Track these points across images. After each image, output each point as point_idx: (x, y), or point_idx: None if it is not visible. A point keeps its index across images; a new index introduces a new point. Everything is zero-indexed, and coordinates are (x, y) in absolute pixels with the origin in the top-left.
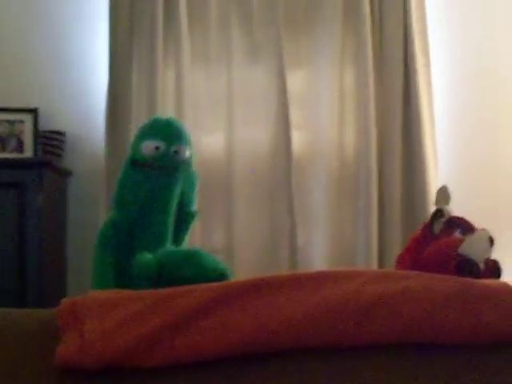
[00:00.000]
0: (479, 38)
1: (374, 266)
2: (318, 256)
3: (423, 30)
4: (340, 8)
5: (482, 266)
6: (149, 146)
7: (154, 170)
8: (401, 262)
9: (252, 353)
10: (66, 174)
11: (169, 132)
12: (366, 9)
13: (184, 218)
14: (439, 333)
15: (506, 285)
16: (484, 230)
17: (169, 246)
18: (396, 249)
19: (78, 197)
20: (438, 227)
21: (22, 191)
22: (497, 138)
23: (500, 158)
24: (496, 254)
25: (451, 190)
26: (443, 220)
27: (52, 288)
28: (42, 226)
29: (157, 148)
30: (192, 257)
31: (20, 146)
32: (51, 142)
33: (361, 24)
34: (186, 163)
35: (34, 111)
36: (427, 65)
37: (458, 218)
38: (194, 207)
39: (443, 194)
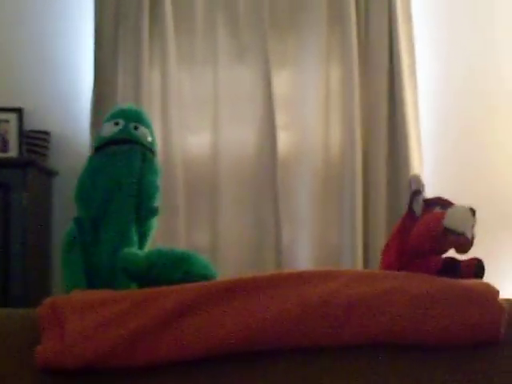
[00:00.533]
0: (465, 38)
1: (359, 265)
2: (303, 255)
3: (409, 30)
4: (325, 9)
5: (469, 235)
6: (107, 126)
7: (113, 148)
8: (386, 254)
9: (232, 353)
10: (50, 173)
11: (127, 112)
12: (352, 9)
13: (144, 215)
14: (420, 334)
15: (487, 285)
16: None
17: (162, 247)
18: (381, 248)
19: (62, 196)
20: (418, 208)
21: (6, 191)
22: (482, 138)
23: (485, 158)
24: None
25: (437, 190)
26: (422, 199)
27: (36, 287)
28: (26, 226)
29: (116, 124)
30: (183, 260)
31: (5, 146)
32: (36, 142)
33: (346, 25)
34: (148, 145)
35: (19, 111)
36: (412, 65)
37: (435, 197)
38: (156, 203)
39: (417, 181)
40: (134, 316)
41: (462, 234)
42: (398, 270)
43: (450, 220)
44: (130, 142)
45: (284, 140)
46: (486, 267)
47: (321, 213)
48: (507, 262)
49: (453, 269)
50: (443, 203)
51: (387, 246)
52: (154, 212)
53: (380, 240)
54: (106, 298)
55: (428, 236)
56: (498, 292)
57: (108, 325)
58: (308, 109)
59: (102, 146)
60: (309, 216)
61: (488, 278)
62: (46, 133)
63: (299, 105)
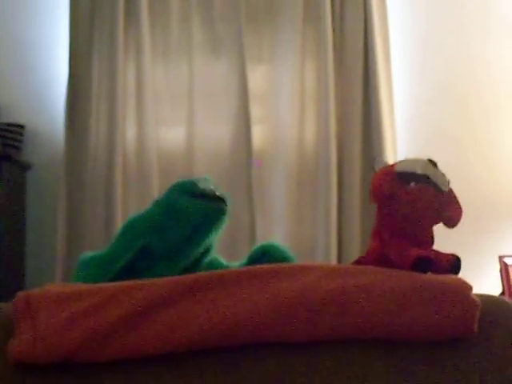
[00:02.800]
0: (441, 32)
1: (333, 260)
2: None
3: (384, 26)
4: (301, 4)
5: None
6: (208, 184)
7: (211, 201)
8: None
9: (206, 347)
10: (25, 167)
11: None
12: (327, 6)
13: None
14: (395, 329)
15: (460, 281)
16: None
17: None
18: (355, 243)
19: (37, 190)
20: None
21: None
22: (456, 134)
23: (459, 155)
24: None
25: None
26: (383, 161)
27: (10, 283)
28: (0, 219)
29: (216, 188)
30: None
31: None
32: (10, 135)
33: (321, 19)
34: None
35: None
36: (387, 60)
37: (411, 172)
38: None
39: (380, 161)
40: (107, 309)
41: (414, 173)
42: (381, 251)
43: (402, 165)
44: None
45: (259, 135)
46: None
47: (295, 207)
48: (477, 256)
49: (425, 264)
50: (418, 178)
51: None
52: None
53: (354, 235)
54: (79, 291)
55: (384, 182)
56: (471, 287)
57: (81, 318)
58: (283, 104)
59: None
60: (283, 210)
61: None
62: (21, 126)
63: (274, 100)
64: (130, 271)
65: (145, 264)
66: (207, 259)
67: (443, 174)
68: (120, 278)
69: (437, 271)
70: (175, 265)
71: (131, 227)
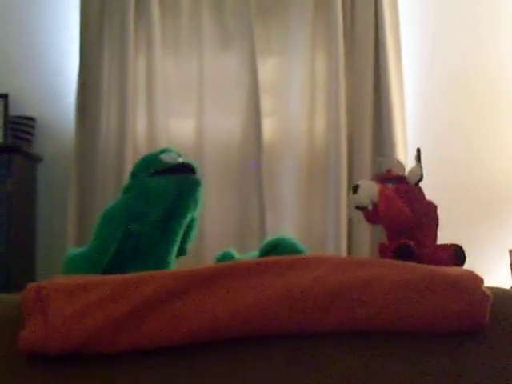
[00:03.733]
0: (452, 26)
1: (343, 252)
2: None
3: (395, 18)
4: None
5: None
6: (170, 155)
7: (178, 174)
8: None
9: (218, 338)
10: (35, 159)
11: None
12: None
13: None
14: (405, 321)
15: (472, 273)
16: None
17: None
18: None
19: (47, 182)
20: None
21: None
22: (467, 127)
23: (469, 147)
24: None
25: (421, 183)
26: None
27: (21, 273)
28: (11, 212)
29: (179, 156)
30: None
31: None
32: (21, 128)
33: (332, 12)
34: (201, 187)
35: (4, 97)
36: (398, 53)
37: (388, 173)
38: (189, 246)
39: (387, 162)
40: (117, 301)
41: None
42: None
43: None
44: (194, 171)
45: (269, 127)
46: (467, 258)
47: (305, 200)
48: (488, 250)
49: (406, 253)
50: (395, 178)
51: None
52: (184, 252)
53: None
54: (89, 283)
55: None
56: (482, 280)
57: (91, 310)
58: (293, 96)
59: (166, 171)
60: (293, 203)
61: (469, 266)
62: (32, 119)
63: (284, 92)
64: (119, 259)
65: (132, 250)
66: (192, 234)
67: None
68: (112, 268)
69: (435, 263)
70: (163, 243)
71: (109, 218)
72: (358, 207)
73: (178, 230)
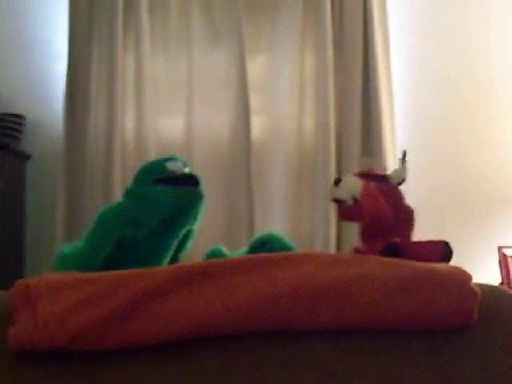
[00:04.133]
0: (440, 24)
1: (332, 250)
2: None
3: (383, 16)
4: None
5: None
6: (176, 164)
7: (181, 185)
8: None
9: (207, 335)
10: (24, 157)
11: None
12: None
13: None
14: (395, 317)
15: (460, 270)
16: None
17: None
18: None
19: (36, 180)
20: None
21: None
22: (455, 127)
23: (460, 149)
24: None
25: (410, 177)
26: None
27: (10, 272)
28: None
29: (185, 165)
30: None
31: None
32: (10, 126)
33: (321, 10)
34: (203, 200)
35: None
36: (387, 51)
37: (370, 172)
38: (182, 255)
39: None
40: (107, 298)
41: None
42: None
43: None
44: (198, 184)
45: (258, 125)
46: (456, 255)
47: (294, 198)
48: (477, 247)
49: (395, 252)
50: (378, 177)
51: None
52: (176, 260)
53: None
54: (79, 279)
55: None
56: (470, 277)
57: (81, 306)
58: (282, 94)
59: (170, 180)
60: (282, 201)
61: (457, 263)
62: (20, 116)
63: (273, 90)
64: (112, 263)
65: (125, 255)
66: (188, 244)
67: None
68: (104, 271)
69: (417, 259)
70: (157, 251)
71: (106, 220)
72: (336, 200)
73: (173, 240)
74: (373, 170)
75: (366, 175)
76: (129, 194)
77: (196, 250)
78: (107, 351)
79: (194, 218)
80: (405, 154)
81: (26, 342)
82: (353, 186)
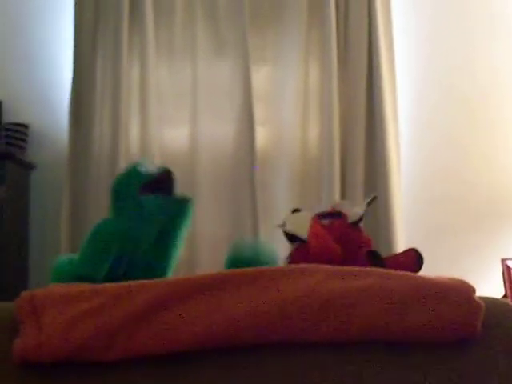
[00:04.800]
0: (445, 34)
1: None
2: (280, 253)
3: (388, 27)
4: (305, 5)
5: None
6: (147, 166)
7: (165, 190)
8: None
9: (211, 347)
10: (29, 166)
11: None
12: (332, 5)
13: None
14: (398, 330)
15: (464, 283)
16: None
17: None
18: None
19: (40, 189)
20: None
21: None
22: (460, 140)
23: (464, 160)
24: (447, 255)
25: (413, 188)
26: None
27: (14, 281)
28: (3, 218)
29: (152, 165)
30: None
31: None
32: (15, 135)
33: (326, 21)
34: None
35: None
36: (392, 62)
37: (328, 211)
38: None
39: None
40: (111, 310)
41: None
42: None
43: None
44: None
45: (262, 135)
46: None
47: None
48: (480, 259)
49: (376, 255)
50: (332, 215)
51: None
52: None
53: None
54: (83, 291)
55: None
56: (474, 289)
57: (86, 318)
58: (286, 104)
59: (154, 187)
60: (286, 211)
61: (461, 275)
62: (25, 126)
63: (278, 100)
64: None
65: (126, 274)
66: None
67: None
68: None
69: (397, 267)
70: (160, 263)
71: (101, 236)
72: (286, 233)
73: (173, 249)
74: (333, 207)
75: (322, 214)
76: (118, 211)
77: (200, 261)
78: (111, 362)
79: (186, 225)
80: (374, 198)
81: (31, 354)
82: (301, 225)
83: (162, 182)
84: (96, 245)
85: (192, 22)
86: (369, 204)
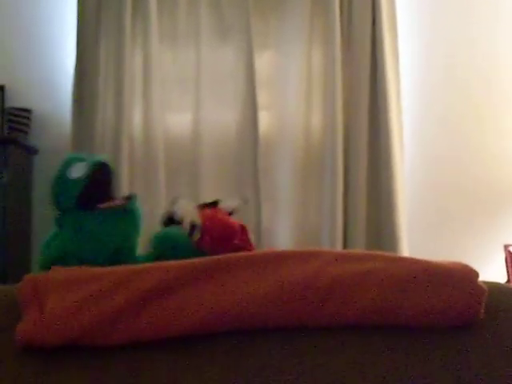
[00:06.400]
0: (448, 23)
1: (339, 247)
2: (282, 237)
3: (391, 13)
4: None
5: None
6: (77, 168)
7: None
8: None
9: (214, 331)
10: (32, 151)
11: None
12: None
13: None
14: (401, 314)
15: (467, 267)
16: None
17: None
18: (360, 230)
19: (43, 174)
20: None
21: None
22: (463, 127)
23: (466, 146)
24: (450, 240)
25: (417, 176)
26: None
27: (17, 264)
28: (7, 203)
29: (82, 159)
30: None
31: None
32: (18, 119)
33: (329, 6)
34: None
35: (0, 88)
36: (395, 47)
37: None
38: None
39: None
40: (115, 293)
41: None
42: None
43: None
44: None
45: (265, 120)
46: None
47: (301, 194)
48: (483, 245)
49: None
50: (208, 206)
51: None
52: None
53: (360, 222)
54: (86, 275)
55: None
56: (477, 274)
57: (89, 302)
58: (290, 90)
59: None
60: (289, 196)
61: (464, 260)
62: (28, 110)
63: (281, 86)
64: None
65: None
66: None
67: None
68: None
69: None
70: None
71: (47, 254)
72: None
73: (134, 258)
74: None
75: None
76: (60, 225)
77: None
78: (115, 346)
79: (138, 233)
80: (246, 201)
81: (34, 337)
82: (190, 215)
83: (99, 178)
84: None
85: (195, 8)
86: (244, 203)
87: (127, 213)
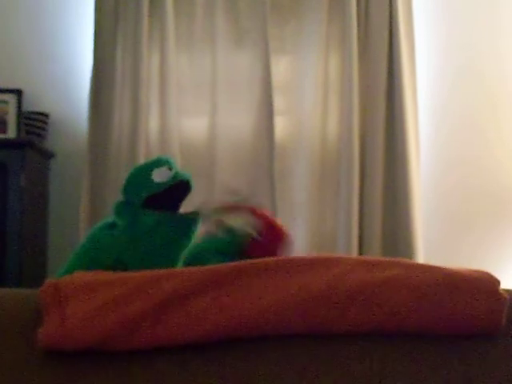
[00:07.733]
0: (466, 23)
1: (354, 252)
2: (298, 242)
3: (409, 18)
4: None
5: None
6: (162, 172)
7: (169, 202)
8: None
9: (235, 337)
10: (48, 155)
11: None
12: None
13: None
14: (421, 322)
15: (488, 275)
16: None
17: None
18: (376, 236)
19: (60, 178)
20: None
21: (4, 171)
22: (481, 128)
23: (483, 147)
24: (469, 247)
25: (434, 178)
26: None
27: (33, 268)
28: (23, 207)
29: (170, 167)
30: None
31: (3, 127)
32: (35, 123)
33: (346, 11)
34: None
35: (18, 92)
36: (412, 53)
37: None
38: None
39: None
40: (136, 299)
41: None
42: None
43: None
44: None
45: (281, 126)
46: (485, 258)
47: (317, 199)
48: (502, 251)
49: None
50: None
51: None
52: None
53: (376, 228)
54: (108, 279)
55: None
56: (499, 282)
57: (110, 307)
58: (306, 95)
59: (160, 199)
60: (305, 202)
61: (484, 268)
62: (45, 114)
63: (297, 91)
64: None
65: None
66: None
67: None
68: None
69: None
70: None
71: (97, 246)
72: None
73: (171, 263)
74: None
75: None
76: (120, 214)
77: None
78: (135, 351)
79: (188, 243)
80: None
81: (55, 342)
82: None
83: (175, 193)
84: (88, 250)
85: (212, 12)
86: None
87: (187, 225)
